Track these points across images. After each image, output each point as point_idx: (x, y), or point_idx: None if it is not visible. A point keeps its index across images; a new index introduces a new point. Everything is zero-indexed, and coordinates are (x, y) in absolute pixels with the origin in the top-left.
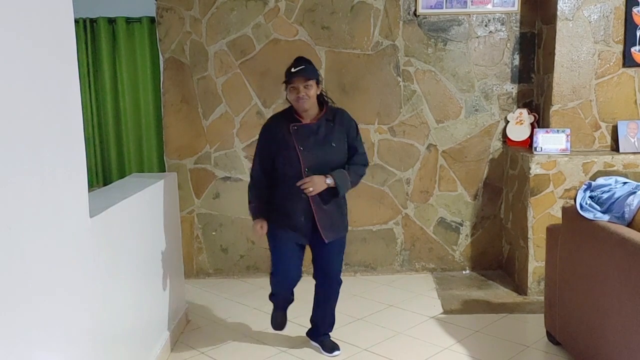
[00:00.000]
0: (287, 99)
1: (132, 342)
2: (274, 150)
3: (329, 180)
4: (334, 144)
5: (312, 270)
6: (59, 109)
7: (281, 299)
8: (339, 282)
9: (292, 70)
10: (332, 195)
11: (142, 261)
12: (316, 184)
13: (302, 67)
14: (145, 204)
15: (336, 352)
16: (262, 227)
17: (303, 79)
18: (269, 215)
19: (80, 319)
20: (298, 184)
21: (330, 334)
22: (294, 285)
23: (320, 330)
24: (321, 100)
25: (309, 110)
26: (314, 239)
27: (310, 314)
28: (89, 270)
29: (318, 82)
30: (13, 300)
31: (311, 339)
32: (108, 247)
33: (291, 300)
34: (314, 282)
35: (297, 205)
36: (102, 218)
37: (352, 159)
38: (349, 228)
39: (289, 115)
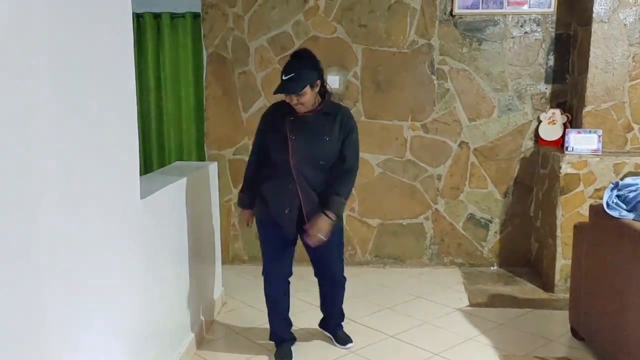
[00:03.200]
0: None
1: (173, 320)
2: (269, 139)
3: (332, 216)
4: (326, 138)
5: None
6: (117, 100)
7: (278, 320)
8: (342, 280)
9: (283, 77)
10: (326, 185)
11: (184, 243)
12: (321, 228)
13: (292, 76)
14: (189, 189)
15: (349, 345)
16: (250, 220)
17: (294, 95)
18: (258, 207)
19: (133, 293)
20: (311, 242)
21: (342, 324)
22: (286, 287)
23: (330, 322)
24: (322, 91)
25: (308, 108)
26: (303, 234)
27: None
28: (139, 248)
29: (312, 85)
30: (78, 266)
31: (324, 330)
32: (156, 228)
33: (291, 335)
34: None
35: (285, 197)
36: (151, 200)
37: (337, 166)
38: (381, 221)
39: (287, 105)
